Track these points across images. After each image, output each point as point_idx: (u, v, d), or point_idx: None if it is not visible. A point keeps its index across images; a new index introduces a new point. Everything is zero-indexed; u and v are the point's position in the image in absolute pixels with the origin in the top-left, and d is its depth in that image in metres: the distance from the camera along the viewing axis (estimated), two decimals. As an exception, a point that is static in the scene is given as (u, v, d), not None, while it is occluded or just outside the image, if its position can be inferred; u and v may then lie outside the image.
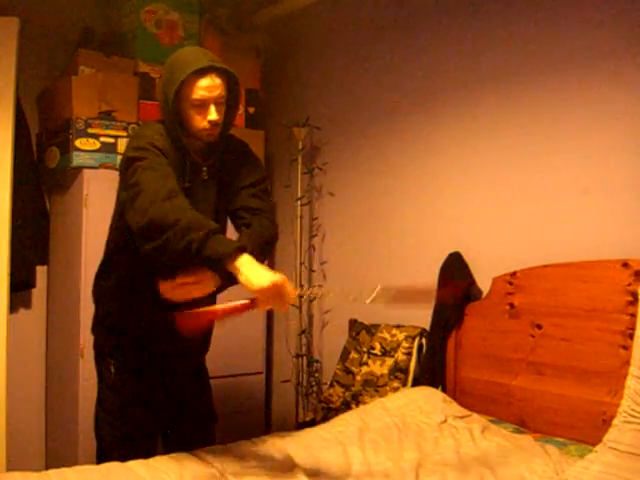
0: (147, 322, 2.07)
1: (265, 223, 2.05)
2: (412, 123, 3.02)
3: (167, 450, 2.11)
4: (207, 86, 1.89)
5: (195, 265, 1.75)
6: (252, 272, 1.66)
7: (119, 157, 2.99)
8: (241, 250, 1.68)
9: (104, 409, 2.11)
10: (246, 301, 1.73)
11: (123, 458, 1.89)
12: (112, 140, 3.01)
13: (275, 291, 1.66)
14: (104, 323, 2.15)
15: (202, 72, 1.88)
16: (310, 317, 3.53)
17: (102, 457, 2.05)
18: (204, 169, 2.02)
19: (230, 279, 1.72)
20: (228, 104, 2.00)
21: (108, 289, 2.12)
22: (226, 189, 2.09)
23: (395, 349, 2.78)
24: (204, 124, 1.93)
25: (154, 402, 2.13)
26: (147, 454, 1.95)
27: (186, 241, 1.67)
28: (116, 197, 2.06)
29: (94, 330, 2.19)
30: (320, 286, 3.42)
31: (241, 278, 1.66)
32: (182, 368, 2.22)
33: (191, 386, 2.26)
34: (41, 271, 3.24)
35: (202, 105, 1.91)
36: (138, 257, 1.88)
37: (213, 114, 1.91)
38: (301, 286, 3.38)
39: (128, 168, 1.86)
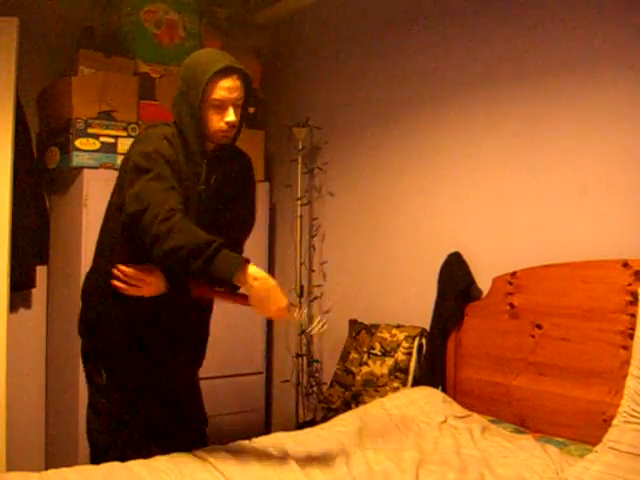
0: (137, 324, 2.06)
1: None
2: (412, 123, 3.02)
3: (159, 453, 2.10)
4: (228, 87, 1.89)
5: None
6: (262, 301, 1.71)
7: (119, 157, 3.00)
8: (246, 263, 1.70)
9: (96, 414, 2.08)
10: (243, 297, 1.77)
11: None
12: (112, 140, 3.01)
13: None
14: (93, 326, 2.10)
15: (224, 72, 1.88)
16: (310, 317, 3.53)
17: (96, 462, 2.03)
18: (213, 177, 2.01)
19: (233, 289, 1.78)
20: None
21: (97, 291, 2.09)
22: (225, 198, 2.09)
23: (395, 349, 2.78)
24: (221, 125, 1.92)
25: (146, 406, 2.11)
26: (141, 458, 1.93)
27: (189, 263, 1.70)
28: (110, 198, 2.05)
29: (81, 333, 2.14)
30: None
31: (251, 302, 1.72)
32: (174, 372, 2.20)
33: (183, 390, 2.25)
34: (41, 271, 3.24)
35: (221, 106, 1.90)
36: (127, 257, 1.91)
37: (231, 115, 1.91)
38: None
39: (131, 172, 1.87)
